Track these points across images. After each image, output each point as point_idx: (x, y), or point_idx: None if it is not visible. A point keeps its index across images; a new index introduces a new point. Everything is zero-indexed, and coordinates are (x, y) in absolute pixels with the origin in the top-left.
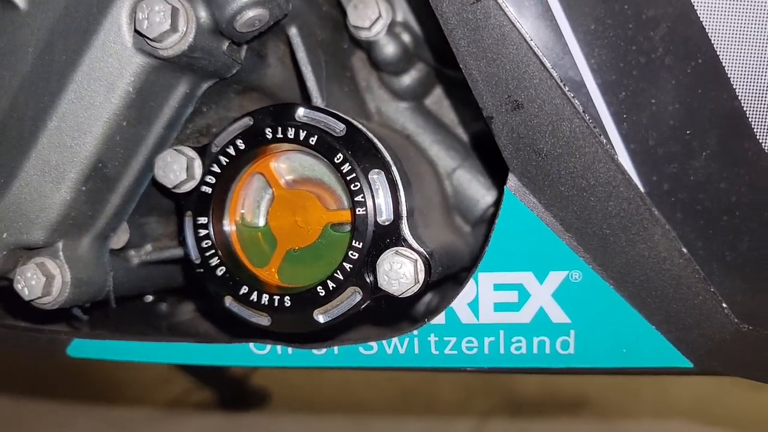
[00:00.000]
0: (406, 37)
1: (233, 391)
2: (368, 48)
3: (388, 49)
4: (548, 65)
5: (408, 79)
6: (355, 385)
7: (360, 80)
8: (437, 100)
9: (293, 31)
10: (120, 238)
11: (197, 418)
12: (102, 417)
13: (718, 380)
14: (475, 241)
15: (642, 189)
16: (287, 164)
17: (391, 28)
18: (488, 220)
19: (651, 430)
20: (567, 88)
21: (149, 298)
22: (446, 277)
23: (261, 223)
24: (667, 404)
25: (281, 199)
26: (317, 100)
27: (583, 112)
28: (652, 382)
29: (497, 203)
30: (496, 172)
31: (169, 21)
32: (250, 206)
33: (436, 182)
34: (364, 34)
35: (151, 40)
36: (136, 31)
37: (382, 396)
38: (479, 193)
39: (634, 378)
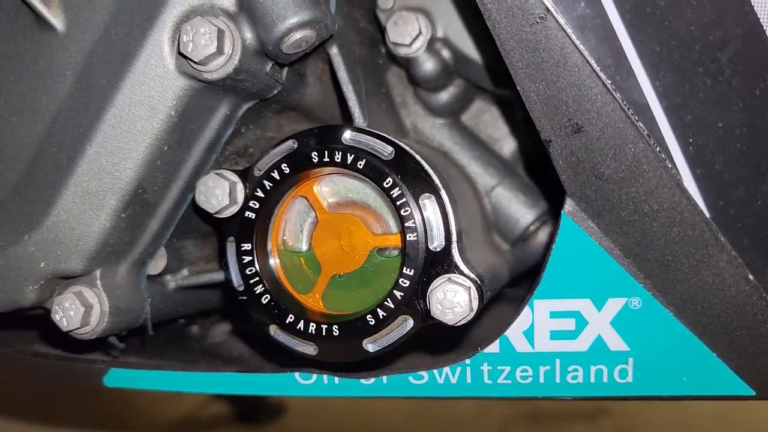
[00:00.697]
0: (446, 54)
1: (248, 404)
2: (407, 65)
3: (428, 66)
4: (611, 88)
5: (446, 95)
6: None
7: (395, 96)
8: (474, 115)
9: (334, 50)
10: (157, 263)
11: (212, 430)
12: (116, 429)
13: None
14: (514, 260)
15: (707, 214)
16: (330, 187)
17: (431, 45)
18: (528, 238)
19: None
20: (631, 111)
21: (180, 321)
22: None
23: (304, 247)
24: (687, 414)
25: (325, 224)
26: (359, 119)
27: (648, 135)
28: None
29: (537, 221)
30: (539, 188)
31: (215, 43)
32: (291, 230)
33: (476, 201)
34: (403, 51)
35: (195, 63)
36: (179, 53)
37: (400, 407)
38: (519, 211)
39: None
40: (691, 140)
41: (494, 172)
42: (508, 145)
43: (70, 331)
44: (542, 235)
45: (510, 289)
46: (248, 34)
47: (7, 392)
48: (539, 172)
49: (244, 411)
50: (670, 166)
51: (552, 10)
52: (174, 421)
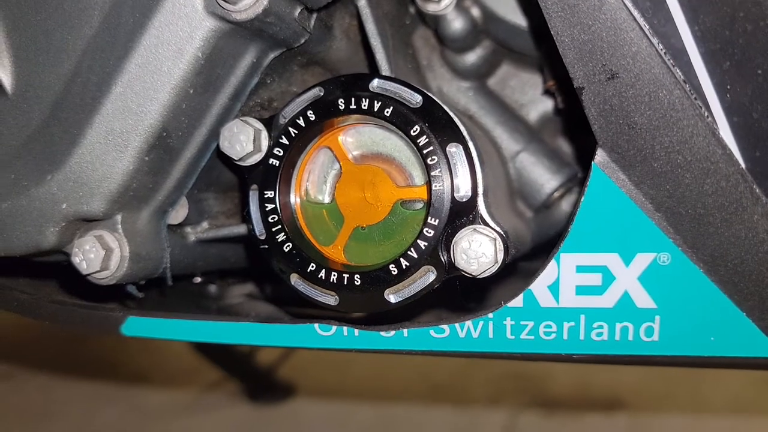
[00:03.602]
0: (475, 12)
1: (259, 382)
2: (435, 23)
3: (456, 24)
4: (648, 32)
5: (473, 57)
6: (383, 379)
7: (421, 58)
8: (500, 80)
9: (362, 2)
10: (178, 213)
11: (224, 409)
12: (129, 404)
13: (754, 381)
14: (537, 227)
15: (743, 165)
16: (355, 138)
17: (460, 2)
18: (551, 206)
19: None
20: (668, 57)
21: (198, 279)
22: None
23: (327, 199)
24: (702, 405)
25: (349, 175)
26: (386, 71)
27: (684, 81)
28: (686, 382)
29: (561, 188)
30: (564, 156)
31: None
32: (315, 182)
33: (501, 165)
34: (432, 8)
35: (225, 1)
36: None
37: (411, 390)
38: (543, 177)
39: (668, 378)
40: (728, 87)
41: (519, 137)
42: (534, 111)
43: (89, 274)
44: (565, 204)
45: (528, 262)
46: None
47: (25, 341)
48: (565, 138)
49: (256, 390)
50: (705, 114)
51: None
52: (186, 399)
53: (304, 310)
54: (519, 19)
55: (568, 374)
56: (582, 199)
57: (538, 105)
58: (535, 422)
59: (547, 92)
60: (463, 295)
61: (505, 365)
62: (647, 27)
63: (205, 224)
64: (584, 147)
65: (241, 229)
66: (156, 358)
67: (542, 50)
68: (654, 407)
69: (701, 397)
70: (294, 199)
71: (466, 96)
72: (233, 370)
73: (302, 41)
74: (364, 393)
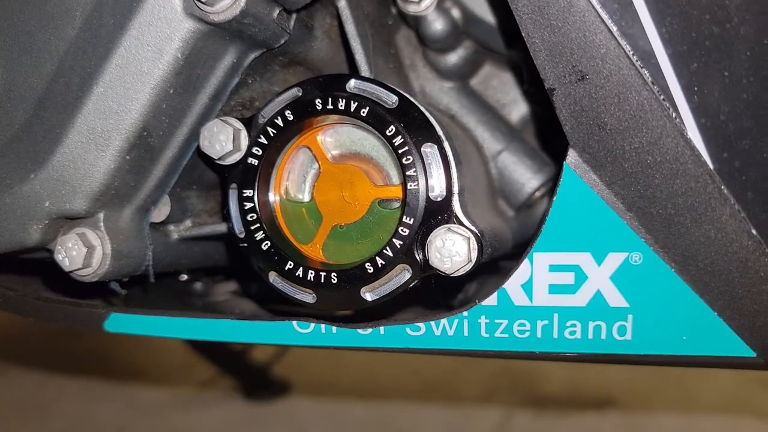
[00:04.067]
0: (455, 13)
1: (254, 379)
2: (416, 23)
3: (437, 25)
4: (617, 34)
5: (454, 57)
6: (376, 377)
7: (404, 58)
8: (483, 80)
9: (342, 3)
10: (161, 211)
11: (218, 405)
12: (124, 400)
13: (745, 380)
14: (518, 226)
15: (711, 166)
16: (334, 138)
17: (441, 3)
18: (533, 205)
19: (675, 430)
20: (636, 58)
21: (184, 276)
22: (484, 264)
23: (306, 198)
24: (692, 403)
25: (328, 174)
26: (365, 72)
27: (652, 83)
28: (676, 380)
29: (543, 187)
30: (545, 153)
31: None
32: (294, 181)
33: (482, 164)
34: (413, 9)
35: (202, 3)
36: None
37: (404, 388)
38: (524, 176)
39: (658, 376)
40: (696, 89)
41: (501, 137)
42: (516, 111)
43: (72, 271)
44: (547, 203)
45: (510, 262)
46: None
47: (19, 337)
48: (546, 137)
49: (250, 386)
50: (674, 115)
51: None
52: (181, 395)
53: (287, 307)
54: (499, 20)
55: (561, 372)
56: (554, 199)
57: (519, 105)
58: (527, 420)
59: (528, 94)
60: (443, 293)
61: (497, 363)
62: (615, 29)
63: (188, 222)
64: (563, 145)
65: (223, 227)
66: (151, 354)
67: (521, 50)
68: (645, 404)
69: (692, 394)
70: (273, 197)
71: (448, 96)
72: (228, 367)
73: (282, 42)
74: (358, 390)
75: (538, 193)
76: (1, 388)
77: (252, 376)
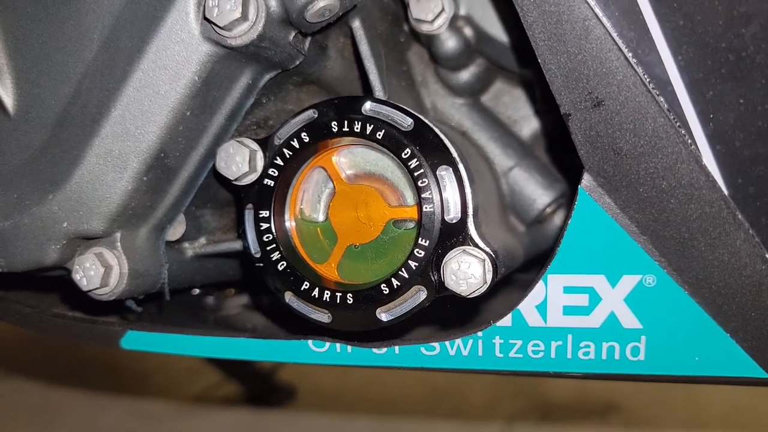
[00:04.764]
0: (468, 32)
1: (260, 386)
2: (428, 42)
3: (449, 44)
4: (633, 61)
5: (466, 74)
6: (382, 385)
7: (416, 75)
8: (494, 96)
9: (356, 24)
10: (176, 229)
11: (224, 412)
12: (130, 408)
13: (752, 389)
14: (529, 242)
15: (726, 192)
16: (349, 158)
17: (453, 22)
18: (544, 220)
19: None
20: (652, 86)
21: (196, 291)
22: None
23: (320, 218)
24: (698, 412)
25: (343, 194)
26: (379, 93)
27: (668, 110)
28: (683, 389)
29: (554, 203)
30: (556, 171)
31: (240, 9)
32: (309, 200)
33: (493, 181)
34: (425, 28)
35: (220, 28)
36: (204, 18)
37: (410, 395)
38: (536, 192)
39: (664, 384)
40: (711, 116)
41: (512, 153)
42: (527, 127)
43: (90, 291)
44: (558, 219)
45: (522, 274)
46: (273, 2)
47: (24, 343)
48: (557, 154)
49: (256, 393)
50: (689, 141)
51: None
52: (186, 402)
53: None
54: (511, 39)
55: (566, 380)
56: (569, 222)
57: (530, 121)
58: (531, 427)
59: (539, 111)
60: (456, 310)
61: None
62: (632, 57)
63: (202, 240)
64: (575, 163)
65: (237, 244)
66: (156, 360)
67: (534, 69)
68: (650, 411)
69: (698, 401)
70: (288, 218)
71: (459, 112)
72: (233, 373)
73: (297, 63)
74: (363, 397)
75: (549, 209)
76: (8, 394)
77: (257, 383)
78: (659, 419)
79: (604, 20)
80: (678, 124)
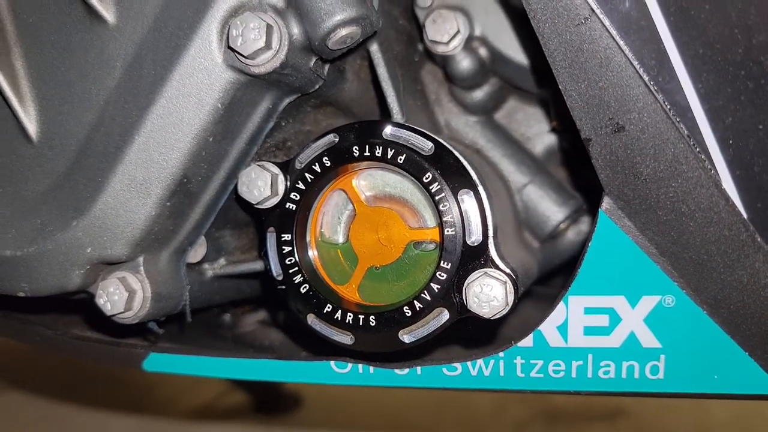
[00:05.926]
0: (483, 52)
1: (266, 396)
2: (443, 62)
3: (464, 64)
4: (654, 89)
5: (480, 93)
6: (389, 393)
7: (430, 93)
8: (507, 114)
9: (374, 48)
10: (197, 252)
11: (229, 423)
12: (135, 421)
13: None
14: (543, 258)
15: (745, 215)
16: (369, 181)
17: (468, 43)
18: (558, 236)
19: None
20: (672, 112)
21: (214, 309)
22: None
23: (341, 240)
24: (706, 417)
25: (363, 217)
26: (397, 116)
27: (688, 136)
28: None
29: (568, 219)
30: (571, 186)
31: (264, 38)
32: (329, 223)
33: (508, 198)
34: (441, 49)
35: (244, 57)
36: (228, 47)
37: (417, 403)
38: (550, 209)
39: None
40: (731, 142)
41: (526, 170)
42: (540, 144)
43: (114, 315)
44: (571, 234)
45: (537, 286)
46: (295, 30)
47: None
48: (571, 170)
49: (262, 401)
50: (709, 167)
51: (596, 11)
52: (193, 411)
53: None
54: (527, 60)
55: None
56: (589, 244)
57: (544, 138)
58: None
59: (554, 130)
60: (475, 334)
61: None
62: (653, 84)
63: (222, 260)
64: (589, 179)
65: (256, 265)
66: None
67: (548, 90)
68: (658, 415)
69: (706, 405)
70: (310, 241)
71: (473, 130)
72: (239, 383)
73: (317, 87)
74: (370, 402)
75: (563, 225)
76: (15, 404)
77: (262, 393)
78: (667, 424)
79: (625, 48)
80: (698, 149)
